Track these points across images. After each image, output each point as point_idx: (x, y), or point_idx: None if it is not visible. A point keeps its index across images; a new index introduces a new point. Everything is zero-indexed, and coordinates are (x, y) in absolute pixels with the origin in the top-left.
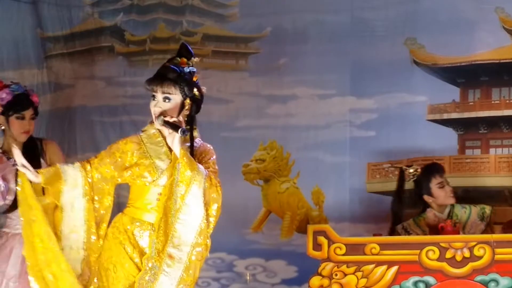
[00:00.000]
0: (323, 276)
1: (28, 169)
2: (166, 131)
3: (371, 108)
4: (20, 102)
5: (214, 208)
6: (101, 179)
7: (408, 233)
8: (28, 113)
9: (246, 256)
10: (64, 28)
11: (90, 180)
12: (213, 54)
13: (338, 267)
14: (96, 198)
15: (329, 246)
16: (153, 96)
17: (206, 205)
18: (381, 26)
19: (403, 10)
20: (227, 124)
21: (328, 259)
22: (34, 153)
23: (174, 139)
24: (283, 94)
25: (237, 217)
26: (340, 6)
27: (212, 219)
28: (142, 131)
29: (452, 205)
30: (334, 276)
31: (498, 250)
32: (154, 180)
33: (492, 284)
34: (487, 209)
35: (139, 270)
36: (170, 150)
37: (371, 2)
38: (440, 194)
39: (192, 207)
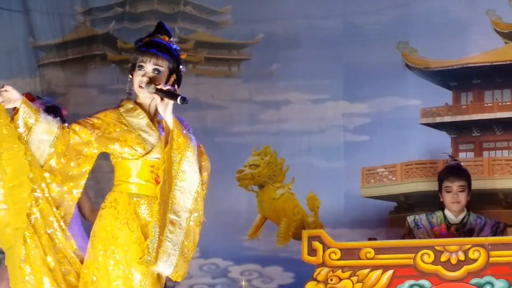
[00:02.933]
0: (318, 281)
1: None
2: (158, 99)
3: (365, 112)
4: (50, 113)
5: (205, 175)
6: (80, 143)
7: (418, 227)
8: None
9: (242, 262)
10: (56, 36)
11: (66, 141)
12: (205, 60)
13: (333, 272)
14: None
15: (324, 251)
16: (141, 66)
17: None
18: (373, 30)
19: (395, 14)
20: (221, 130)
21: (323, 264)
22: None
23: (168, 107)
24: (276, 99)
25: (232, 223)
26: (332, 11)
27: (204, 186)
28: (119, 107)
29: (468, 212)
30: (329, 281)
31: (492, 253)
32: (146, 154)
33: (488, 286)
34: (501, 224)
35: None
36: (152, 122)
37: (363, 6)
38: (446, 198)
39: (188, 173)
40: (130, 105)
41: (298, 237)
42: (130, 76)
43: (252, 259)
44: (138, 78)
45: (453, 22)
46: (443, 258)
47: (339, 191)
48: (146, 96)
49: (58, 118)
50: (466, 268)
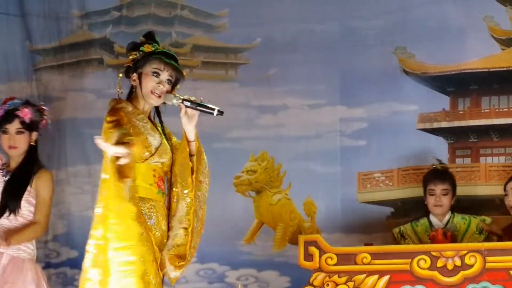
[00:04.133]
0: (314, 286)
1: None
2: (182, 110)
3: (361, 117)
4: (5, 116)
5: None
6: None
7: (404, 238)
8: (13, 127)
9: (238, 266)
10: (53, 40)
11: None
12: (202, 65)
13: (329, 277)
14: None
15: (320, 256)
16: (157, 73)
17: None
18: (370, 35)
19: (392, 19)
20: (218, 135)
21: (319, 269)
22: (23, 180)
23: (194, 119)
24: (273, 104)
25: (228, 228)
26: (329, 15)
27: None
28: (120, 108)
29: (453, 214)
30: (325, 286)
31: (489, 259)
32: (150, 157)
33: None
34: (487, 220)
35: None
36: (154, 126)
37: (360, 11)
38: (429, 201)
39: (203, 184)
40: (129, 108)
41: (294, 242)
42: (132, 77)
43: (249, 264)
44: (152, 84)
45: (451, 27)
46: (440, 263)
47: (335, 196)
48: (155, 102)
49: (15, 121)
50: (462, 273)
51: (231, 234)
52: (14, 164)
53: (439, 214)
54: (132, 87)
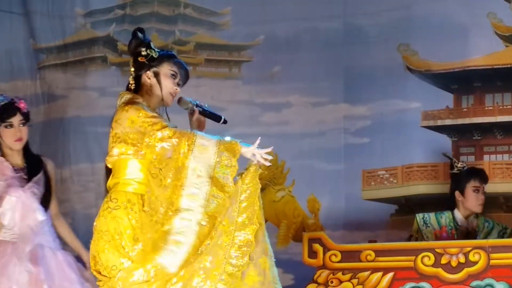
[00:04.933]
0: (318, 284)
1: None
2: (195, 115)
3: (365, 115)
4: (6, 111)
5: None
6: None
7: (427, 226)
8: (16, 119)
9: None
10: (57, 39)
11: None
12: (206, 62)
13: (333, 274)
14: None
15: (324, 254)
16: (174, 76)
17: None
18: (374, 33)
19: (395, 16)
20: (221, 133)
21: (323, 267)
22: (41, 169)
23: (204, 124)
24: (277, 102)
25: None
26: (332, 13)
27: None
28: (135, 102)
29: (477, 215)
30: (329, 283)
31: (493, 255)
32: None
33: None
34: (508, 230)
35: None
36: None
37: (364, 8)
38: (471, 198)
39: None
40: (145, 104)
41: (298, 239)
42: (147, 74)
43: None
44: (171, 86)
45: (454, 24)
46: (444, 260)
47: (339, 193)
48: (170, 103)
49: (17, 114)
50: (466, 270)
51: None
52: (14, 160)
53: (479, 211)
54: (139, 83)
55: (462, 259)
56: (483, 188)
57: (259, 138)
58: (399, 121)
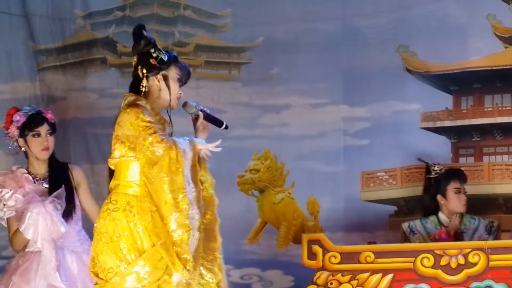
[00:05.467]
0: (318, 285)
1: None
2: (200, 119)
3: (364, 116)
4: (33, 120)
5: None
6: None
7: (413, 233)
8: (44, 129)
9: (242, 266)
10: (56, 40)
11: None
12: (205, 64)
13: (333, 276)
14: None
15: (323, 255)
16: (180, 80)
17: None
18: (373, 34)
19: (394, 18)
20: (221, 134)
21: (323, 268)
22: (66, 177)
23: (207, 128)
24: (276, 103)
25: (232, 227)
26: (331, 14)
27: None
28: (137, 105)
29: (462, 215)
30: (329, 285)
31: (492, 257)
32: None
33: None
34: (495, 223)
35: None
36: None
37: (363, 9)
38: (454, 199)
39: None
40: (148, 106)
41: (298, 241)
42: (157, 77)
43: (252, 263)
44: (178, 90)
45: (453, 26)
46: (443, 262)
47: (339, 195)
48: (175, 107)
49: (45, 123)
50: (466, 272)
51: (234, 233)
52: (38, 169)
53: (462, 212)
54: (144, 85)
55: (461, 260)
56: (464, 188)
57: (220, 140)
58: (398, 122)
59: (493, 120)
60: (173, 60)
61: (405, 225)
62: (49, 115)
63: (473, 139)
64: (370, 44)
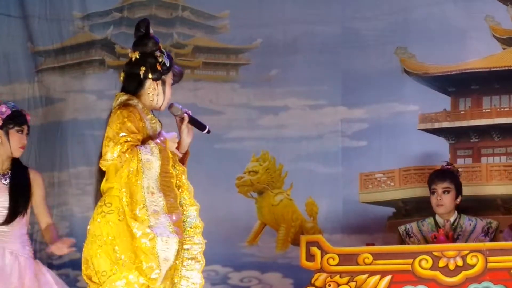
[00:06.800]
0: (316, 287)
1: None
2: (185, 121)
3: (363, 118)
4: (19, 117)
5: None
6: None
7: (409, 236)
8: (25, 128)
9: (241, 268)
10: (54, 42)
11: None
12: (204, 65)
13: (331, 278)
14: None
15: (322, 257)
16: (173, 83)
17: None
18: (371, 36)
19: (393, 20)
20: (219, 136)
21: (321, 270)
22: (26, 178)
23: (192, 131)
24: (275, 105)
25: (231, 230)
26: (330, 16)
27: None
28: (130, 105)
29: (459, 215)
30: (327, 286)
31: (490, 259)
32: None
33: None
34: (493, 224)
35: None
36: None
37: (362, 12)
38: (431, 200)
39: None
40: (140, 105)
41: (297, 243)
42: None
43: (252, 265)
44: (168, 93)
45: (452, 27)
46: (441, 263)
47: (337, 196)
48: (164, 109)
49: (26, 124)
50: (464, 273)
51: (233, 235)
52: (2, 164)
53: (443, 213)
54: (141, 84)
55: (459, 262)
56: (443, 188)
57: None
58: (397, 124)
59: (491, 121)
60: (171, 65)
61: (401, 228)
62: (28, 117)
63: (471, 140)
64: (368, 46)
